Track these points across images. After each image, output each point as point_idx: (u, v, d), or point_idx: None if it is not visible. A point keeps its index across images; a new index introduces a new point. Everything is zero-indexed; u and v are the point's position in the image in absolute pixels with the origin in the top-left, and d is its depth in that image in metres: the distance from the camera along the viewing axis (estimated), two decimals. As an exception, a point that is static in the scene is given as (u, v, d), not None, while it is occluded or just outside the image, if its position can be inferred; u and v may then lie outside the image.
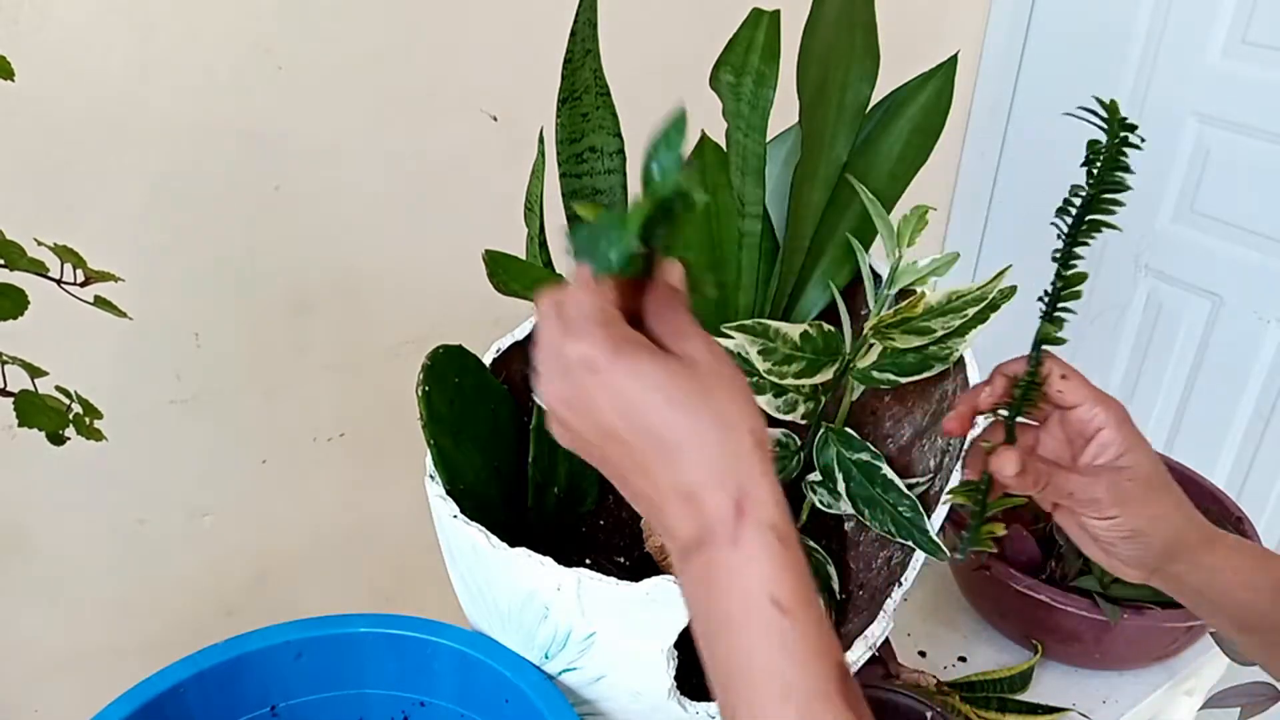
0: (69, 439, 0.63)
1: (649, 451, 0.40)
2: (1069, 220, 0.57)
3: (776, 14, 0.69)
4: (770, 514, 0.39)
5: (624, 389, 0.39)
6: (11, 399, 0.61)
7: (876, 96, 0.73)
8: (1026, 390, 0.60)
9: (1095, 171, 0.56)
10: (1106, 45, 1.45)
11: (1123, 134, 0.55)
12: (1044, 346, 0.60)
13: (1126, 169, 0.56)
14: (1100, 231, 0.57)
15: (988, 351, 0.67)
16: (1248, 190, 1.35)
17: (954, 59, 0.74)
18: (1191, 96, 1.38)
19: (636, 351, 0.40)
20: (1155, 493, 0.58)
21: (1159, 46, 1.39)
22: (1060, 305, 0.59)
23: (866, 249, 0.69)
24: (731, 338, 0.64)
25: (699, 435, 0.39)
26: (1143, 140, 0.56)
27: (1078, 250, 0.58)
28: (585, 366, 0.40)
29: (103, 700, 0.64)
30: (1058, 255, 0.58)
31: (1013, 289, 0.61)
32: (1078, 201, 0.57)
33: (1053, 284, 0.59)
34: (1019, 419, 0.61)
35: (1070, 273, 0.58)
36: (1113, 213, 0.57)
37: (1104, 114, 0.55)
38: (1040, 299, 0.60)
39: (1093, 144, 0.56)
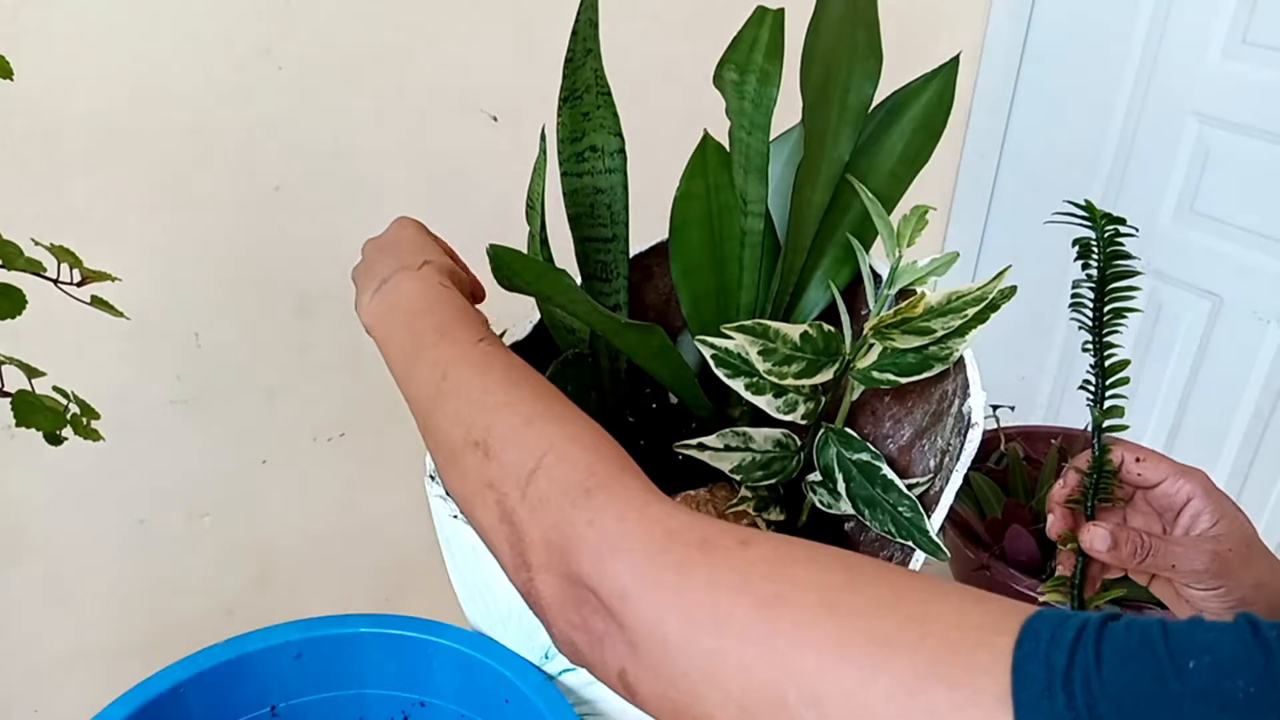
0: (66, 439, 0.63)
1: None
2: (1088, 313, 0.59)
3: (781, 12, 0.69)
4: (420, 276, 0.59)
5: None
6: (9, 399, 0.61)
7: (878, 96, 0.73)
8: (1097, 481, 0.61)
9: (1096, 264, 0.58)
10: (1106, 45, 1.45)
11: (1112, 226, 0.57)
12: (1110, 433, 0.61)
13: (1128, 255, 0.57)
14: (1125, 317, 0.58)
15: (988, 351, 0.67)
16: (1248, 190, 1.35)
17: (956, 60, 0.74)
18: (1191, 96, 1.38)
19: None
20: (1255, 559, 0.57)
21: (1159, 46, 1.39)
22: (1109, 393, 0.60)
23: (867, 249, 0.69)
24: (731, 338, 0.64)
25: (395, 248, 0.64)
26: (1133, 229, 0.58)
27: (1110, 339, 0.59)
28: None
29: (103, 700, 0.64)
30: (1089, 347, 0.59)
31: (1013, 289, 0.61)
32: (1087, 294, 0.59)
33: (1094, 375, 0.60)
34: (1100, 505, 0.62)
35: (1110, 363, 0.59)
36: (1132, 298, 0.58)
37: (1086, 215, 0.57)
38: (1082, 387, 0.61)
39: (1080, 241, 0.57)
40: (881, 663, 0.32)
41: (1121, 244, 0.57)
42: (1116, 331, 0.59)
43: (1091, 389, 0.61)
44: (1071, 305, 0.60)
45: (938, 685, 0.30)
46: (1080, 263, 0.59)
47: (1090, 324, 0.59)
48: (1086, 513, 0.62)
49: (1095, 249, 0.58)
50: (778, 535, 0.39)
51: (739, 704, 0.34)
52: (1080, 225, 0.58)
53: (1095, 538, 0.58)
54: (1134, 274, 0.57)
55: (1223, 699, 0.27)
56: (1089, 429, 0.61)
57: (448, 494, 0.66)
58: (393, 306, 0.58)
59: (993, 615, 0.32)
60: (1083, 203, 0.57)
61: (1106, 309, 0.58)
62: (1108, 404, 0.61)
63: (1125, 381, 0.60)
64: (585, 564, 0.40)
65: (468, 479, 0.47)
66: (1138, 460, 0.60)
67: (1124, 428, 0.61)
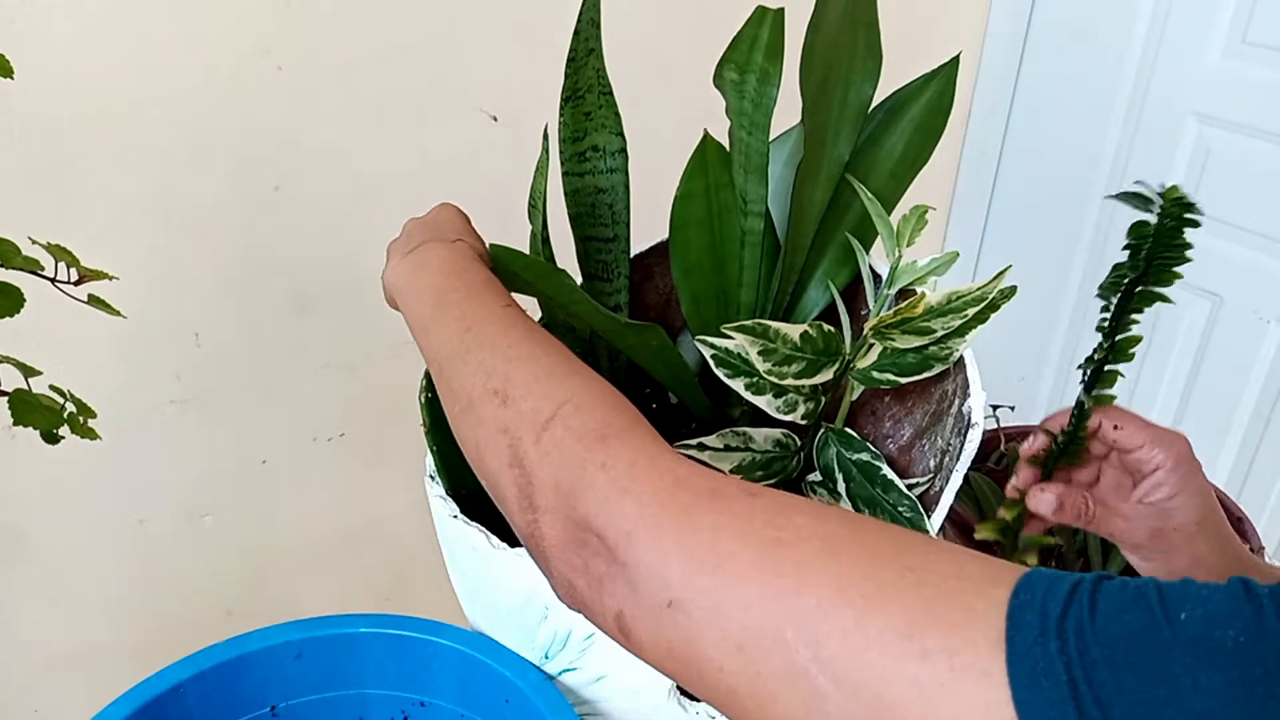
0: (64, 438, 0.63)
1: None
2: (1119, 295, 0.57)
3: (780, 12, 0.69)
4: (448, 250, 0.60)
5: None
6: (5, 398, 0.61)
7: (878, 97, 0.73)
8: (1066, 444, 0.61)
9: (1146, 250, 0.55)
10: (1106, 45, 1.45)
11: (1185, 215, 0.54)
12: (1100, 403, 0.60)
13: (1187, 245, 0.55)
14: (1150, 305, 0.57)
15: (988, 351, 0.67)
16: (1248, 190, 1.34)
17: (956, 60, 0.74)
18: (1191, 96, 1.38)
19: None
20: (1200, 538, 0.58)
21: (1159, 46, 1.39)
22: (1108, 368, 0.59)
23: (867, 249, 0.69)
24: (732, 338, 0.64)
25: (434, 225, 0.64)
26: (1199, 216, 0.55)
27: (1133, 316, 0.58)
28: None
29: (103, 700, 0.64)
30: (1104, 325, 0.58)
31: (1013, 289, 0.61)
32: (1126, 273, 0.57)
33: (1102, 345, 0.59)
34: (1073, 464, 0.62)
35: (1122, 337, 0.58)
36: (1170, 285, 0.56)
37: (1159, 199, 0.54)
38: (1086, 362, 0.60)
39: (1139, 225, 0.55)
40: (878, 605, 0.32)
41: (1182, 234, 0.55)
42: (1139, 310, 0.58)
43: (1097, 357, 0.59)
44: (1107, 287, 0.57)
45: (933, 628, 0.31)
46: (1125, 244, 0.57)
47: (1116, 304, 0.57)
48: (1044, 474, 0.62)
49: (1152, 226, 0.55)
50: (784, 491, 0.40)
51: (737, 643, 0.35)
52: (1138, 211, 0.56)
53: (1041, 502, 0.60)
54: (1184, 261, 0.55)
55: (1213, 647, 0.28)
56: (1078, 398, 0.61)
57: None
58: (423, 267, 0.59)
59: (990, 570, 0.33)
60: (1160, 186, 0.55)
61: (1138, 289, 0.57)
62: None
63: (1129, 359, 0.59)
64: (593, 505, 0.41)
65: (482, 425, 0.47)
66: (1116, 428, 0.60)
67: (1111, 398, 0.60)
